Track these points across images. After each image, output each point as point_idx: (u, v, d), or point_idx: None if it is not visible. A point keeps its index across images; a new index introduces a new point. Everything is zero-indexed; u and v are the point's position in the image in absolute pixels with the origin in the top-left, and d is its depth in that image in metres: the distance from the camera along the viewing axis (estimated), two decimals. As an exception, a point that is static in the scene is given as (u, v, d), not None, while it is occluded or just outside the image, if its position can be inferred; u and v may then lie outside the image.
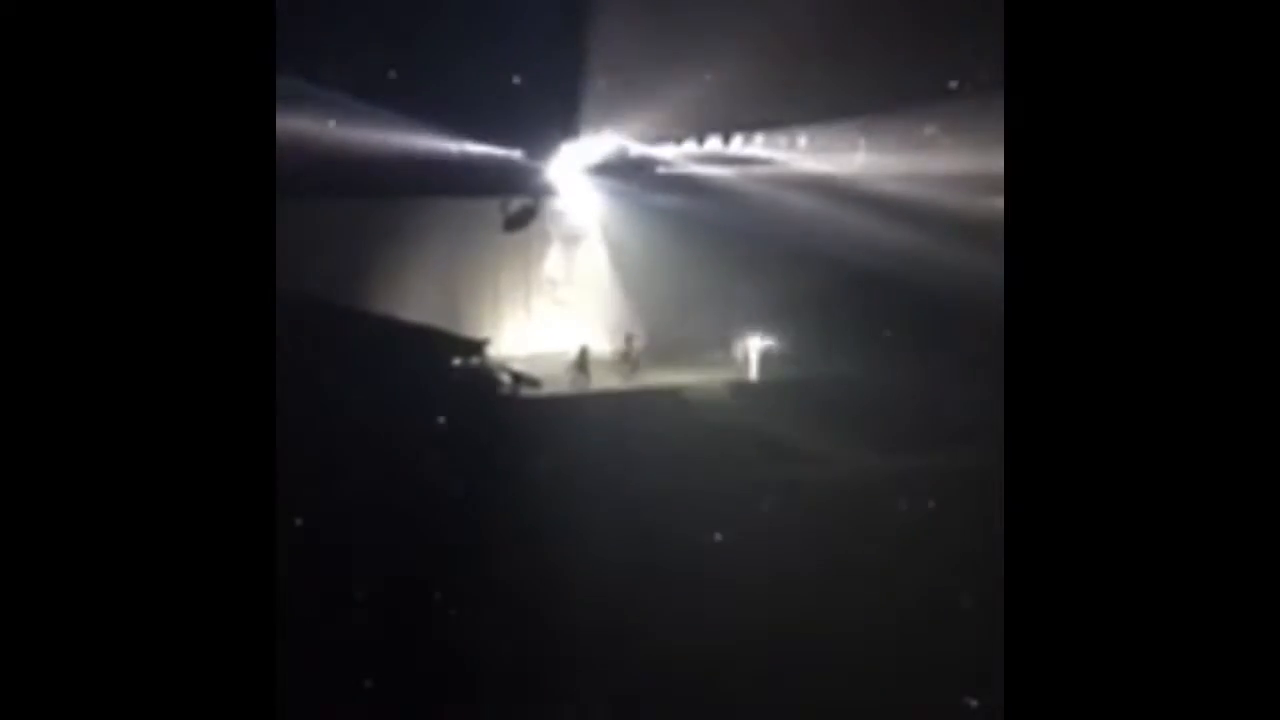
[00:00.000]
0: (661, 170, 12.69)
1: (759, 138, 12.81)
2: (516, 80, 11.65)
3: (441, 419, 9.39)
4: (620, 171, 12.47)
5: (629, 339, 12.40)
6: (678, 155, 12.61)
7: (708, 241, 13.94)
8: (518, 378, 11.51)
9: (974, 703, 4.69)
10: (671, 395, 11.37)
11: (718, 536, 6.71)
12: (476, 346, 12.20)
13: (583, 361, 11.80)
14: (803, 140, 13.14)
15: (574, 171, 12.22)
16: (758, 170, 13.01)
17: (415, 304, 12.51)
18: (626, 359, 12.18)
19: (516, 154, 12.02)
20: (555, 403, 11.09)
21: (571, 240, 12.65)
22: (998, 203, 13.15)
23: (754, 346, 12.66)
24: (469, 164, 11.81)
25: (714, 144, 12.62)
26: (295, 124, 9.95)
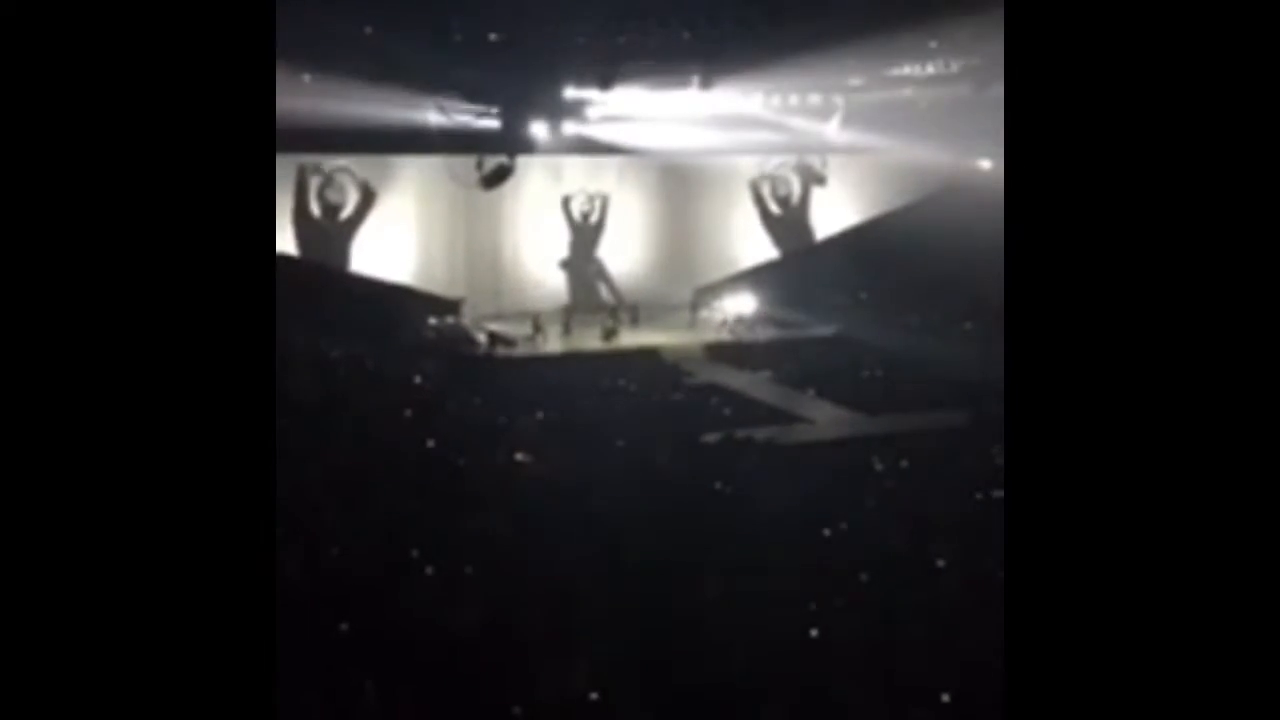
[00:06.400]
0: (638, 128, 12.62)
1: (736, 96, 12.74)
2: (493, 37, 11.56)
3: (418, 378, 9.38)
4: (596, 129, 12.40)
5: (621, 305, 12.45)
6: (655, 113, 12.55)
7: (683, 201, 13.94)
8: (494, 337, 11.52)
9: (949, 659, 4.75)
10: (649, 356, 11.36)
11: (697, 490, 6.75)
12: (452, 305, 12.19)
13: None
14: (778, 99, 13.11)
15: (549, 129, 12.15)
16: (734, 130, 12.97)
17: (389, 262, 12.47)
18: (614, 320, 12.10)
19: (492, 111, 11.94)
20: (531, 362, 11.10)
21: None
22: (980, 164, 13.22)
23: (731, 308, 12.69)
24: (444, 122, 11.74)
25: (692, 102, 12.55)
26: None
